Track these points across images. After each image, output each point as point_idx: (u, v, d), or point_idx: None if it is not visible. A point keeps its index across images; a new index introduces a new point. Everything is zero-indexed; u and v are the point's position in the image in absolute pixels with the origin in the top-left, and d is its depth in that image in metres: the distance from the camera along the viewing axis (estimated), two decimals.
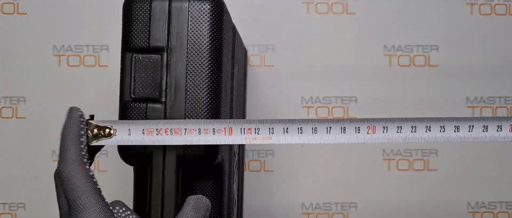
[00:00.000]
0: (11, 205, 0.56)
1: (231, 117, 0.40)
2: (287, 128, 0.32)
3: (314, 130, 0.32)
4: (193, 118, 0.33)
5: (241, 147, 0.53)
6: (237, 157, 0.47)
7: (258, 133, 0.32)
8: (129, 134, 0.31)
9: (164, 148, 0.32)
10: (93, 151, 0.32)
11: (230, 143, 0.31)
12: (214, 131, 0.31)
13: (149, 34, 0.33)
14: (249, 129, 0.32)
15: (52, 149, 0.57)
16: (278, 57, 0.58)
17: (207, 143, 0.31)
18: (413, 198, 0.57)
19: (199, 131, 0.31)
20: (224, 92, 0.35)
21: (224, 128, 0.31)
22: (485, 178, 0.57)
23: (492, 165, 0.57)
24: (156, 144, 0.31)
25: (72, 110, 0.31)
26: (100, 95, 0.57)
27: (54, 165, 0.56)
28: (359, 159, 0.57)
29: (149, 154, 0.32)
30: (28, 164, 0.57)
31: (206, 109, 0.33)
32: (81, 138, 0.30)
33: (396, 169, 0.57)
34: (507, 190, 0.57)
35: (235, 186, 0.45)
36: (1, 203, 0.56)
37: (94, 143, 0.31)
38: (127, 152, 0.33)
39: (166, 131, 0.31)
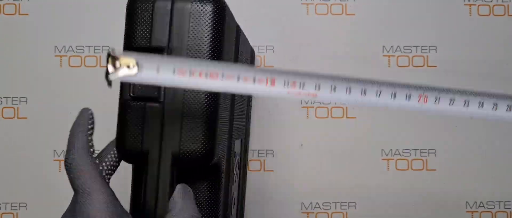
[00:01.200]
0: (13, 204, 0.57)
1: (231, 120, 0.40)
2: (335, 87, 0.29)
3: (363, 92, 0.30)
4: (191, 120, 0.33)
5: (244, 147, 0.53)
6: (238, 157, 0.47)
7: (303, 88, 0.29)
8: (158, 72, 0.28)
9: (160, 146, 0.32)
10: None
11: (271, 96, 0.29)
12: (254, 80, 0.29)
13: (151, 34, 0.33)
14: (293, 82, 0.29)
15: (53, 149, 0.57)
16: (278, 58, 0.58)
17: (246, 91, 0.29)
18: (412, 197, 0.57)
19: (238, 78, 0.29)
20: (223, 94, 0.36)
21: (266, 78, 0.29)
22: (484, 178, 0.58)
23: (490, 165, 0.58)
24: (188, 86, 0.29)
25: (83, 109, 0.33)
26: (101, 95, 0.57)
27: (56, 165, 0.57)
28: (358, 159, 0.58)
29: (146, 151, 0.33)
30: (29, 164, 0.57)
31: (204, 110, 0.33)
32: (88, 132, 0.32)
33: (395, 168, 0.57)
34: (505, 189, 0.58)
35: (235, 186, 0.46)
36: (3, 203, 0.57)
37: (114, 77, 0.29)
38: (123, 147, 0.33)
39: (200, 74, 0.28)
